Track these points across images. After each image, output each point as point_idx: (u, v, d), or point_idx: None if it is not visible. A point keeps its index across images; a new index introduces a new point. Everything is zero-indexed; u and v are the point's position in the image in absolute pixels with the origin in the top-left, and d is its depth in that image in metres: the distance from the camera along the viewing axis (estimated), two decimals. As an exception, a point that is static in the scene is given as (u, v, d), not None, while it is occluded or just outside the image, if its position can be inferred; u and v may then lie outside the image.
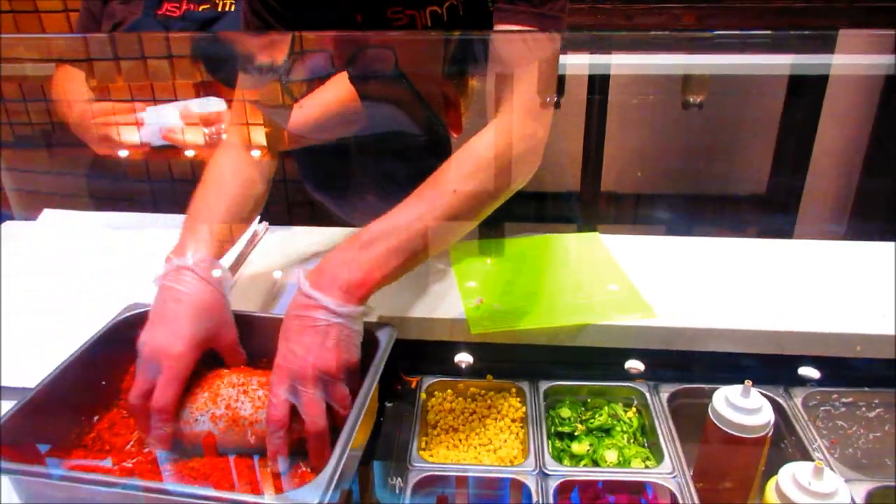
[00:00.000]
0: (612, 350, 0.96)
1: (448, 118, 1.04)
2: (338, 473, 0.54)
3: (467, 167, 0.77)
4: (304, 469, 0.68)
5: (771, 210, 2.58)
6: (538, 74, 0.81)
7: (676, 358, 0.96)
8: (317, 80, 1.03)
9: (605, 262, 1.06)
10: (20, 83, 2.53)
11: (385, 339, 0.73)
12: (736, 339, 0.91)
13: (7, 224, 1.23)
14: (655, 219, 2.66)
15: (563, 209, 2.77)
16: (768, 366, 0.93)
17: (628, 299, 0.95)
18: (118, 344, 0.76)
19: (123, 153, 1.23)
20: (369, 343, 0.73)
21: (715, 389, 0.81)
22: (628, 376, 0.97)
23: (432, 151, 1.10)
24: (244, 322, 0.80)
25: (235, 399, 0.70)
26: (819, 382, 0.93)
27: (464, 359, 0.99)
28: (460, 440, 0.92)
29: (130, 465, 0.69)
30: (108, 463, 0.69)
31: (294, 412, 0.66)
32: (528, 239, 1.14)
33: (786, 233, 2.54)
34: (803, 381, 0.93)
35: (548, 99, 0.83)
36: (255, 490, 0.63)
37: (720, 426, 0.78)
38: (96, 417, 0.73)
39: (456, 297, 0.98)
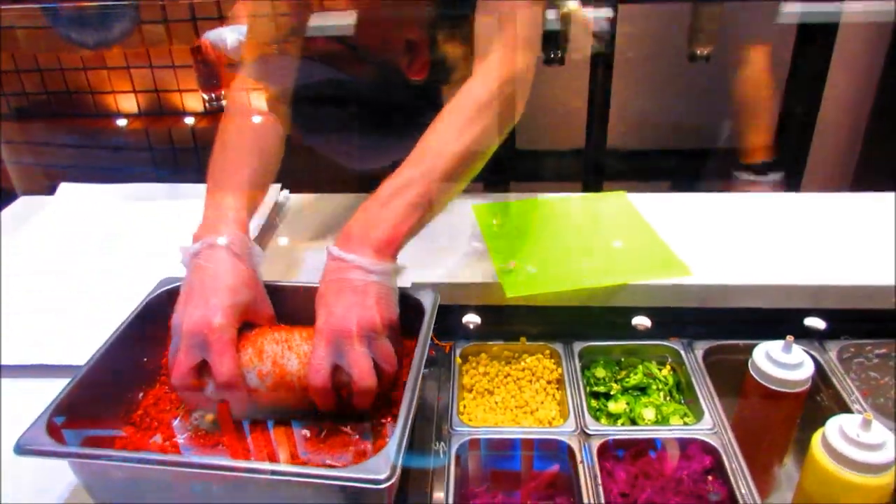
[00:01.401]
0: (643, 309, 0.96)
1: (411, 65, 1.03)
2: (405, 441, 0.54)
3: (469, 110, 0.79)
4: (356, 437, 0.68)
5: (779, 162, 2.57)
6: (522, 15, 0.83)
7: (708, 315, 0.96)
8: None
9: (634, 221, 1.05)
10: (13, 53, 2.46)
11: (430, 302, 0.72)
12: (773, 295, 0.90)
13: (23, 199, 1.21)
14: (662, 174, 2.65)
15: (570, 167, 2.75)
16: (798, 320, 0.93)
17: (662, 258, 0.95)
18: (156, 319, 0.75)
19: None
20: (413, 307, 0.73)
21: (750, 345, 0.81)
22: (660, 334, 0.97)
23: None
24: (275, 292, 0.79)
25: (281, 356, 0.68)
26: (851, 335, 0.94)
27: (494, 321, 0.99)
28: (496, 403, 0.93)
29: (181, 441, 0.69)
30: (157, 439, 0.69)
31: (336, 373, 0.66)
32: (555, 199, 1.13)
33: (794, 185, 2.54)
34: (836, 334, 0.93)
35: (534, 38, 0.86)
36: (313, 461, 0.63)
37: (761, 381, 0.79)
38: (141, 394, 0.72)
39: (486, 261, 0.97)
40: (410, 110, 0.97)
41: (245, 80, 0.97)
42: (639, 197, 1.14)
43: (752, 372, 0.80)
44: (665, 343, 0.96)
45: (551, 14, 2.51)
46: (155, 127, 2.50)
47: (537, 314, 0.97)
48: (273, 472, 0.53)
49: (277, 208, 1.11)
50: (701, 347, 0.94)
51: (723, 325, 0.96)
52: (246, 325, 0.72)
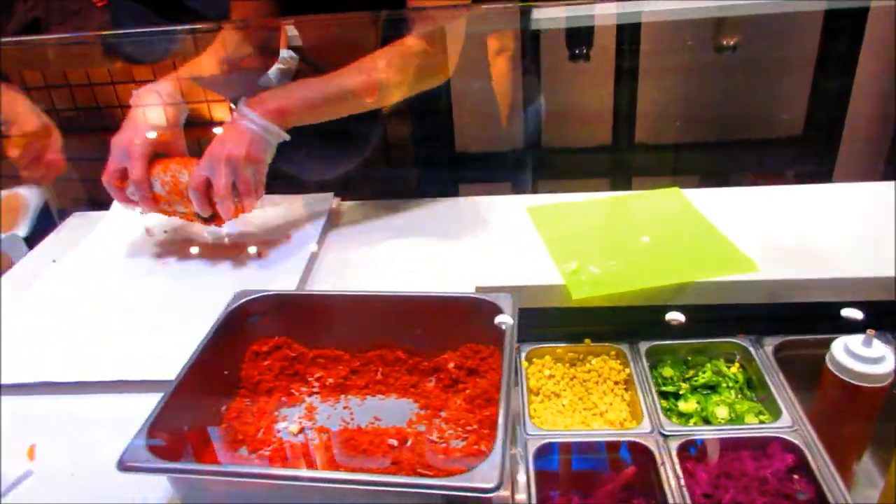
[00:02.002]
0: (708, 306, 0.95)
1: None
2: (507, 450, 0.54)
3: (370, 61, 0.99)
4: (443, 444, 0.67)
5: (808, 152, 2.54)
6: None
7: (772, 310, 0.94)
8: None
9: (692, 217, 1.04)
10: (43, 72, 2.48)
11: (509, 307, 0.72)
12: (844, 289, 0.89)
13: (77, 215, 1.22)
14: (691, 168, 2.63)
15: (596, 163, 2.73)
16: (868, 313, 0.92)
17: (728, 255, 0.93)
18: (233, 332, 0.75)
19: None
20: (493, 312, 0.72)
21: (822, 340, 0.80)
22: (725, 332, 0.96)
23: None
24: (328, 302, 0.79)
25: (178, 171, 0.96)
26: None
27: (556, 323, 0.98)
28: (563, 405, 0.92)
29: (268, 453, 0.68)
30: (244, 452, 0.69)
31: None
32: (609, 198, 1.12)
33: (824, 175, 2.51)
34: None
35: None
36: (405, 469, 0.63)
37: (841, 376, 0.78)
38: (224, 407, 0.73)
39: (547, 262, 0.97)
40: (362, 122, 1.15)
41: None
42: (689, 192, 1.12)
43: (830, 367, 0.79)
44: (732, 340, 0.95)
45: (577, 11, 2.50)
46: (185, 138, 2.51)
47: (600, 315, 0.96)
48: (380, 483, 0.52)
49: (331, 215, 1.11)
50: (770, 343, 0.92)
51: (789, 321, 0.95)
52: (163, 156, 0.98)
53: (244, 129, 0.92)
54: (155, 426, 0.60)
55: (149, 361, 0.79)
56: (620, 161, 2.62)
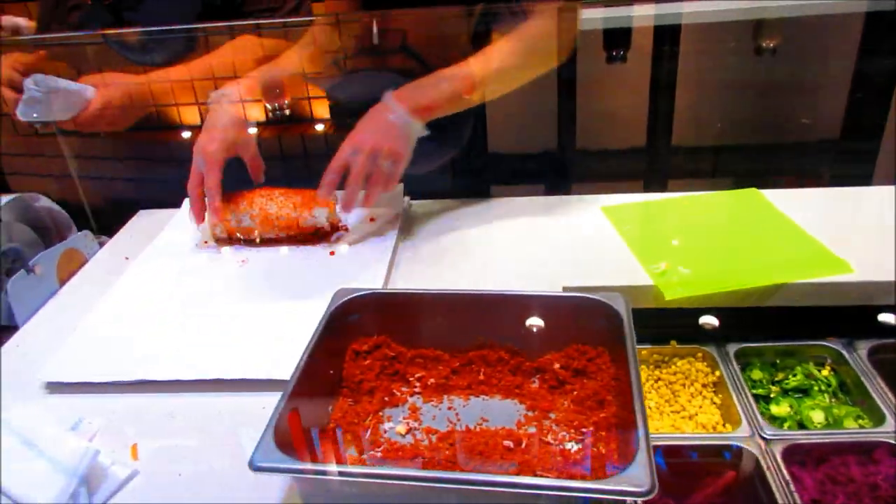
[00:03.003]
0: (793, 308, 0.93)
1: None
2: (651, 452, 0.53)
3: (509, 43, 1.01)
4: (560, 447, 0.66)
5: (846, 155, 2.52)
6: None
7: (862, 312, 0.93)
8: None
9: (775, 218, 1.02)
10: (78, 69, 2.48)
11: (623, 309, 0.70)
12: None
13: (142, 213, 1.21)
14: (727, 171, 2.61)
15: (631, 166, 2.72)
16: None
17: (819, 256, 0.92)
18: (336, 331, 0.74)
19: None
20: (606, 314, 0.71)
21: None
22: (814, 334, 0.95)
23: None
24: (427, 300, 0.78)
25: (265, 204, 1.02)
26: None
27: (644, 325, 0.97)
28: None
29: (379, 454, 0.67)
30: (353, 452, 0.68)
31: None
32: (687, 198, 1.10)
33: (863, 178, 2.48)
34: None
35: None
36: (525, 471, 0.62)
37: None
38: (330, 407, 0.71)
39: (630, 262, 0.95)
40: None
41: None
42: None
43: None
44: (822, 343, 0.93)
45: (615, 12, 2.48)
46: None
47: (685, 316, 0.95)
48: (529, 486, 0.51)
49: (404, 215, 1.10)
50: (864, 346, 0.91)
51: (876, 323, 0.93)
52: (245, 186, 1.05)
53: (391, 122, 0.93)
54: (280, 426, 0.59)
55: (250, 360, 0.78)
56: (655, 163, 2.60)
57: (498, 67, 1.00)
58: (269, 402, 0.76)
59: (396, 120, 0.93)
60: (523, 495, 0.51)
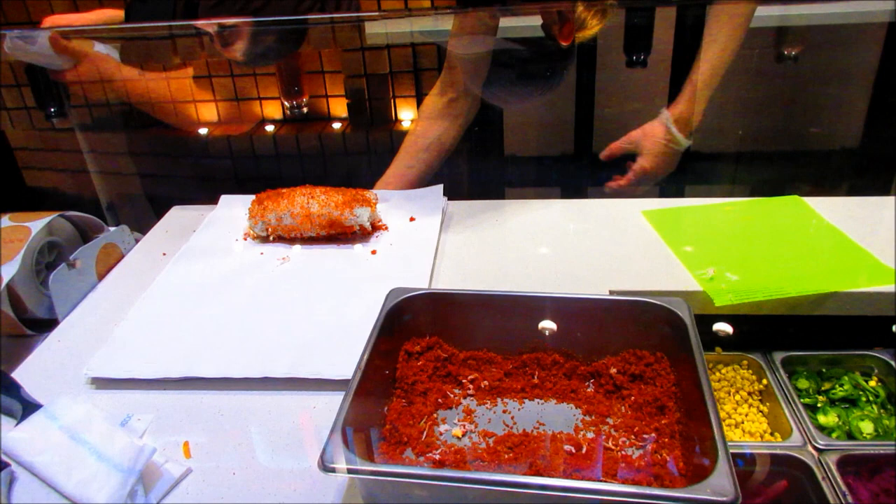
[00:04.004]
0: (840, 318, 0.92)
1: (561, 31, 1.21)
2: (731, 460, 0.52)
3: (726, 29, 1.15)
4: (620, 452, 0.65)
5: (866, 165, 2.51)
6: None
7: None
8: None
9: (820, 225, 1.01)
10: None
11: (687, 315, 0.69)
12: None
13: (177, 208, 1.20)
14: (745, 178, 2.60)
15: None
16: None
17: (867, 265, 0.91)
18: (391, 331, 0.73)
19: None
20: (669, 320, 0.70)
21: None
22: (860, 344, 0.94)
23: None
24: (481, 301, 0.77)
25: (306, 203, 1.01)
26: None
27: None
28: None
29: (437, 456, 0.66)
30: (409, 454, 0.67)
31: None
32: (726, 203, 1.10)
33: (882, 189, 2.47)
34: None
35: None
36: (588, 477, 0.61)
37: None
38: (385, 408, 0.70)
39: (675, 268, 0.94)
40: (559, 66, 1.33)
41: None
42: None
43: None
44: (870, 353, 0.92)
45: (637, 17, 2.48)
46: (236, 135, 2.51)
47: (729, 323, 0.94)
48: (609, 493, 0.50)
49: (443, 215, 1.09)
50: (912, 357, 0.90)
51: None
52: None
53: (675, 153, 1.16)
54: (346, 426, 0.58)
55: (299, 359, 0.78)
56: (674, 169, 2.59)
57: (727, 59, 1.13)
58: (318, 402, 0.76)
59: (678, 149, 1.16)
60: (604, 502, 0.50)
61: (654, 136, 1.16)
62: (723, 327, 0.95)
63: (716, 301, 0.87)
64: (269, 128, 2.57)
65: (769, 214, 1.06)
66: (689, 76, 1.17)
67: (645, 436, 0.67)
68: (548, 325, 0.76)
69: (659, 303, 0.71)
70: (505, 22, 1.27)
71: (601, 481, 0.58)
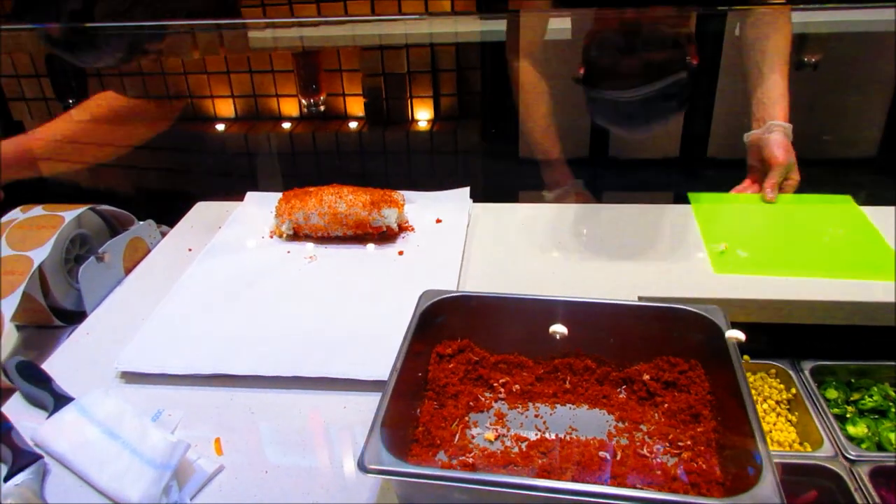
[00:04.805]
0: (871, 328, 0.92)
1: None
2: (776, 470, 0.51)
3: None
4: (656, 459, 0.65)
5: (883, 173, 2.50)
6: None
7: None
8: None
9: (861, 226, 1.01)
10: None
11: (723, 322, 0.69)
12: None
13: (202, 204, 1.20)
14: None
15: (663, 176, 2.70)
16: None
17: (885, 261, 0.91)
18: (424, 333, 0.73)
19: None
20: (705, 327, 0.70)
21: None
22: (892, 355, 0.93)
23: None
24: (513, 305, 0.76)
25: (334, 202, 1.01)
26: None
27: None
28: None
29: (471, 460, 0.66)
30: (442, 456, 0.67)
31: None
32: (780, 198, 1.13)
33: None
34: None
35: None
36: (625, 484, 0.61)
37: None
38: (417, 410, 0.70)
39: (703, 275, 0.94)
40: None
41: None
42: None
43: None
44: (900, 364, 0.91)
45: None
46: (253, 132, 2.52)
47: (757, 331, 0.93)
48: (654, 501, 0.50)
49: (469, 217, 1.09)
50: (944, 370, 0.89)
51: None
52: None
53: (787, 143, 1.17)
54: (384, 427, 0.58)
55: (329, 358, 0.78)
56: (689, 174, 2.58)
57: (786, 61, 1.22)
58: (348, 401, 0.75)
59: (787, 140, 1.18)
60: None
61: (786, 147, 1.17)
62: (735, 334, 0.94)
63: (715, 268, 0.88)
64: (286, 125, 2.58)
65: (813, 210, 1.07)
66: (763, 80, 1.21)
67: (679, 443, 0.66)
68: (578, 329, 0.76)
69: (694, 310, 0.70)
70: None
71: (641, 489, 0.58)
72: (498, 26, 2.10)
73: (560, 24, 1.96)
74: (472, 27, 2.30)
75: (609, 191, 2.75)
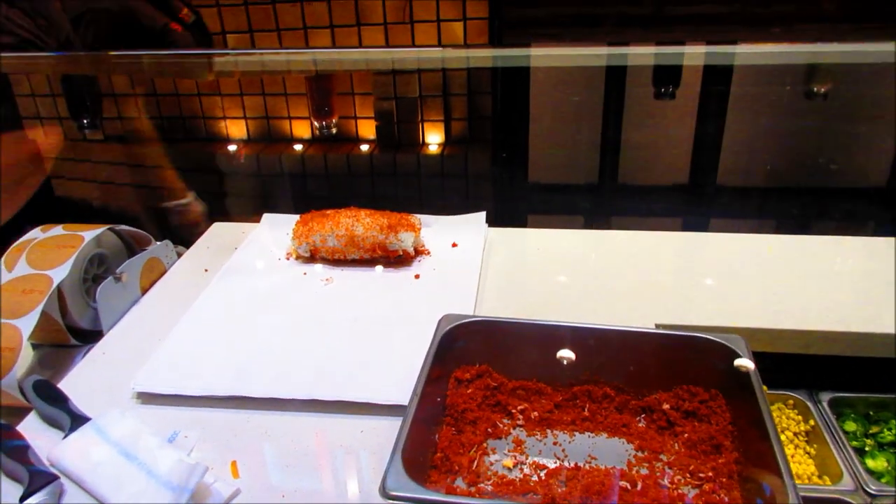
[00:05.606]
0: (890, 360, 0.91)
1: None
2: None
3: None
4: (675, 491, 0.64)
5: (892, 204, 2.50)
6: None
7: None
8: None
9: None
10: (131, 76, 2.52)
11: (745, 351, 0.69)
12: None
13: (218, 225, 1.21)
14: (770, 213, 2.59)
15: (672, 203, 2.71)
16: None
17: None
18: (443, 358, 0.73)
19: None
20: (727, 356, 0.69)
21: None
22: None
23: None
24: (533, 331, 0.76)
25: (351, 225, 1.01)
26: None
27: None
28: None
29: (490, 487, 0.66)
30: (461, 483, 0.66)
31: None
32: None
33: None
34: None
35: None
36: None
37: None
38: (436, 435, 0.70)
39: (722, 302, 0.94)
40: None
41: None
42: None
43: None
44: (919, 397, 0.91)
45: (667, 49, 2.50)
46: (265, 154, 2.54)
47: (775, 362, 0.93)
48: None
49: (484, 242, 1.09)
50: (964, 403, 0.88)
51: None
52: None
53: None
54: (405, 453, 0.57)
55: (347, 382, 0.77)
56: (697, 202, 2.59)
57: None
58: (365, 425, 0.75)
59: None
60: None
61: None
62: (744, 363, 0.94)
63: None
64: (298, 147, 2.60)
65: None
66: None
67: (700, 475, 0.66)
68: (597, 356, 0.75)
69: (715, 338, 0.70)
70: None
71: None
72: (509, 52, 2.12)
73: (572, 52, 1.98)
74: (483, 52, 2.33)
75: (618, 216, 2.76)
